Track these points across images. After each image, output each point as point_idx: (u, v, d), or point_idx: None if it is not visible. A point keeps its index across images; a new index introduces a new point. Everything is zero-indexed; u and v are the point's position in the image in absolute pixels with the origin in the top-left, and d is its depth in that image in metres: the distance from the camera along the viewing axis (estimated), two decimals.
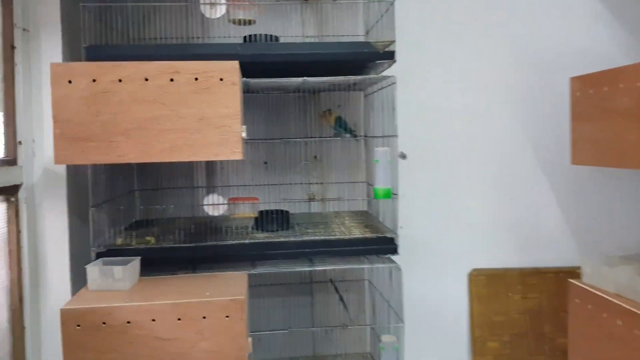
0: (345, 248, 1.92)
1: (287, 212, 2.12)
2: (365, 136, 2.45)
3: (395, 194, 1.94)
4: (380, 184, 1.91)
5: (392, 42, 1.94)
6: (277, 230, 2.05)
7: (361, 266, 1.97)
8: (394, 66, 2.02)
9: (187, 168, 2.37)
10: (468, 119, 2.53)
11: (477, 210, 2.56)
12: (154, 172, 2.36)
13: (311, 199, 2.34)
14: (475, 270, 2.55)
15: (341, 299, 2.31)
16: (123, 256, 1.77)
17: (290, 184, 2.43)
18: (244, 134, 1.63)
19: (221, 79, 1.60)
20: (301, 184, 2.45)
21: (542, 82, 2.54)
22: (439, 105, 2.51)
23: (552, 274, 2.59)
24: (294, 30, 2.41)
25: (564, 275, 2.53)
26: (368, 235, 1.96)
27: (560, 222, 2.59)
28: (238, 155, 1.61)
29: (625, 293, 1.79)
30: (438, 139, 2.52)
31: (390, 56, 1.94)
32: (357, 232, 2.00)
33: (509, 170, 2.56)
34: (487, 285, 2.55)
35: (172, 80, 1.58)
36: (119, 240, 1.91)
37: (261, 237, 1.96)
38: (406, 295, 2.03)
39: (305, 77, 1.91)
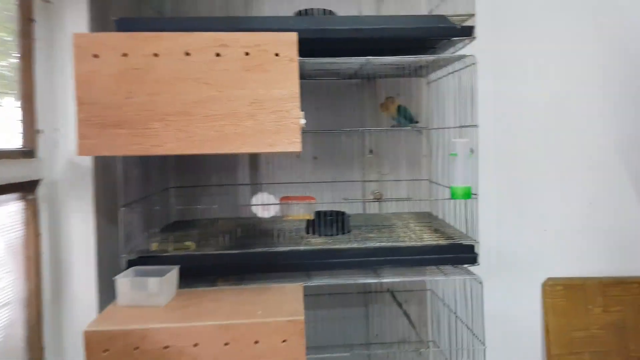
0: (417, 257, 1.62)
1: (345, 213, 1.83)
2: (436, 127, 2.13)
3: (474, 194, 1.64)
4: (459, 182, 1.61)
5: (472, 15, 1.64)
6: (336, 235, 1.76)
7: (435, 278, 1.67)
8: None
9: (230, 162, 2.10)
10: (546, 112, 2.20)
11: (553, 214, 2.23)
12: (193, 167, 2.10)
13: (377, 199, 2.04)
14: (550, 279, 2.23)
15: (406, 314, 2.02)
16: (158, 264, 1.51)
17: (345, 181, 2.15)
18: (303, 121, 1.35)
19: (277, 54, 1.32)
20: (356, 181, 2.16)
21: (636, 74, 2.20)
22: (513, 95, 2.19)
23: (638, 285, 2.25)
24: (349, 6, 2.12)
25: None
26: (442, 242, 1.66)
27: None
28: (296, 146, 1.33)
29: None
30: (510, 133, 2.20)
31: (468, 32, 1.63)
32: (427, 238, 1.70)
33: (589, 171, 2.23)
34: (564, 296, 2.23)
35: (218, 55, 1.31)
36: (154, 246, 1.65)
37: (318, 242, 1.68)
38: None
39: (369, 57, 1.62)
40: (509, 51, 2.17)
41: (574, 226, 2.24)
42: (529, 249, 2.24)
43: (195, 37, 1.30)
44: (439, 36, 1.65)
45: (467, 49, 1.71)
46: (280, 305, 1.39)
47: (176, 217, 2.13)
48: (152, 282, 1.39)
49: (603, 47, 2.19)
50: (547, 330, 2.22)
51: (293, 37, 1.33)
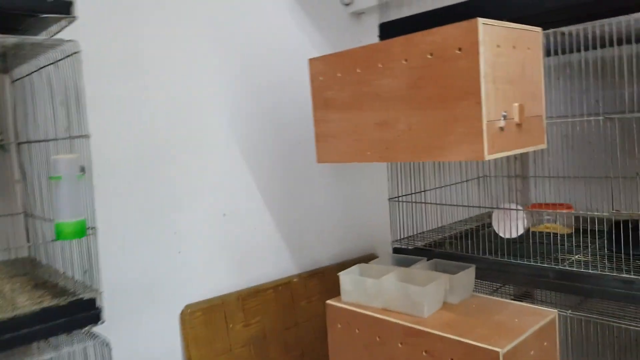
0: (6, 337, 1.08)
1: None
2: (28, 141, 1.56)
3: (91, 228, 1.21)
4: (67, 216, 1.15)
5: None
6: None
7: (41, 359, 1.16)
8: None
9: None
10: (172, 119, 1.95)
11: (188, 233, 2.00)
12: None
13: None
14: (188, 306, 1.99)
15: None
16: None
17: None
18: None
19: None
20: None
21: (249, 80, 2.18)
22: (132, 98, 1.83)
23: (271, 290, 2.27)
24: None
25: (282, 288, 2.27)
26: (50, 303, 1.16)
27: (273, 233, 2.28)
28: None
29: (398, 307, 1.53)
30: (130, 144, 1.83)
31: (65, 9, 1.21)
32: (24, 303, 1.17)
33: (221, 181, 2.09)
34: (205, 322, 2.04)
35: None
36: None
37: None
38: None
39: None
40: (126, 47, 1.81)
41: (210, 242, 2.06)
42: (163, 277, 1.93)
43: None
44: (21, 9, 1.15)
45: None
46: None
47: None
48: None
49: (225, 52, 2.09)
50: None
51: None
